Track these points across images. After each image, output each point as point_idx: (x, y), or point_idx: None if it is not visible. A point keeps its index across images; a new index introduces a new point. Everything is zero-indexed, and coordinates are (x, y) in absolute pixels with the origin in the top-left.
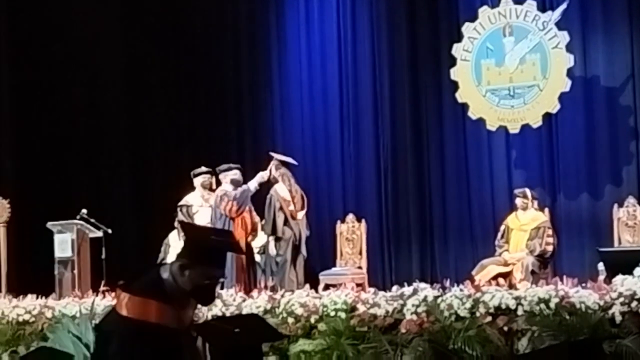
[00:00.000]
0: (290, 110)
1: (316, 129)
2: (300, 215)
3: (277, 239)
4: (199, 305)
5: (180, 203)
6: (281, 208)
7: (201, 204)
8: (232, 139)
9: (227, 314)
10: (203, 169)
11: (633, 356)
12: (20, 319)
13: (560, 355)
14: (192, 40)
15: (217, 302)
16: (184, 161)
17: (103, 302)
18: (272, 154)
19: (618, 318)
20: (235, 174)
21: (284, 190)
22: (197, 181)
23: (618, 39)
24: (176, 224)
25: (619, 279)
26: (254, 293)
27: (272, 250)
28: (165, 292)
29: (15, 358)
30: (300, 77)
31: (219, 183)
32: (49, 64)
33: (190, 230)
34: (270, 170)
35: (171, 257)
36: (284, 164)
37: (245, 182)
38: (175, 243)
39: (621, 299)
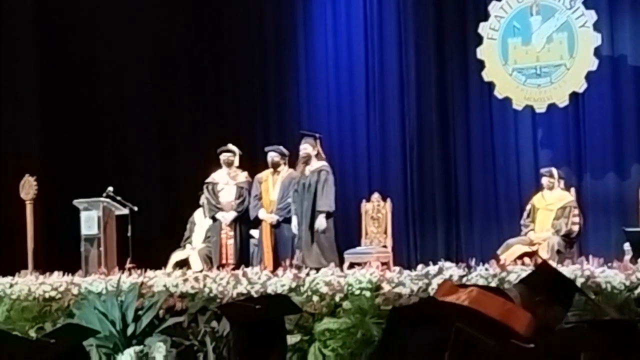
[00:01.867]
0: (316, 89)
1: (342, 108)
2: None
3: (329, 215)
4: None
5: (206, 180)
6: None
7: (227, 182)
8: (257, 118)
9: (252, 292)
10: (228, 146)
11: None
12: (47, 295)
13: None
14: (217, 18)
15: (242, 279)
16: (210, 139)
17: (129, 279)
18: (303, 131)
19: None
20: (274, 155)
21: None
22: (221, 158)
23: None
24: (201, 201)
25: None
26: (279, 271)
27: (323, 225)
28: None
29: (41, 334)
30: (327, 55)
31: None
32: (76, 41)
33: None
34: (308, 150)
35: (197, 236)
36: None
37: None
38: (200, 221)
39: None
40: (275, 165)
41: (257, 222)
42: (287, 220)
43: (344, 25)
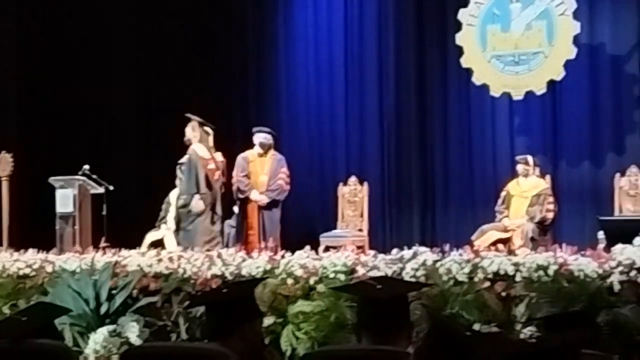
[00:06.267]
0: (296, 73)
1: (321, 92)
2: (217, 174)
3: (202, 196)
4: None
5: (179, 161)
6: (203, 166)
7: None
8: (236, 100)
9: (227, 273)
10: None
11: (630, 325)
12: (21, 272)
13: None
14: (199, 2)
15: (217, 261)
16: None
17: (103, 258)
18: (189, 115)
19: (616, 287)
20: (265, 137)
21: (203, 150)
22: None
23: (625, 6)
24: (177, 182)
25: (618, 247)
26: (254, 253)
27: (197, 206)
28: None
29: (15, 311)
30: (306, 40)
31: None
32: (56, 19)
33: None
34: (187, 132)
35: (172, 216)
36: (201, 125)
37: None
38: (175, 201)
39: (620, 268)
40: (265, 147)
41: (243, 202)
42: (275, 203)
43: (325, 10)
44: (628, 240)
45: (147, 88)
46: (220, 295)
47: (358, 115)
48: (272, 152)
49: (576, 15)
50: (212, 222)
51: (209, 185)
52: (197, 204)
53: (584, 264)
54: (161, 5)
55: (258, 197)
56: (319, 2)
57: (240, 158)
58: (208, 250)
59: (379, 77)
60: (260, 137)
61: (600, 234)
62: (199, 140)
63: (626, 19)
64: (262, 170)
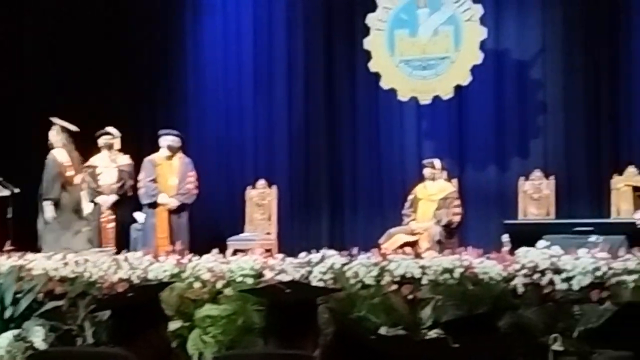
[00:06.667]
0: (204, 75)
1: (229, 94)
2: (78, 179)
3: (56, 204)
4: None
5: (85, 164)
6: (60, 173)
7: (107, 165)
8: (143, 102)
9: (134, 277)
10: (107, 129)
11: (533, 327)
12: None
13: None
14: (106, 2)
15: (124, 264)
16: (92, 123)
17: (8, 262)
18: (53, 119)
19: (520, 289)
20: (173, 140)
21: (63, 155)
22: (100, 142)
23: (530, 13)
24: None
25: (522, 250)
26: (162, 257)
27: (49, 214)
28: None
29: None
30: (215, 43)
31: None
32: None
33: None
34: (50, 136)
35: None
36: (65, 129)
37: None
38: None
39: (524, 271)
40: (173, 150)
41: (151, 206)
42: (184, 207)
43: (233, 11)
44: (531, 244)
45: (48, 91)
46: (125, 299)
47: (267, 118)
48: (179, 154)
49: (483, 21)
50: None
51: (65, 189)
52: (47, 210)
53: (488, 266)
54: (69, 6)
55: (167, 200)
56: (228, 3)
57: (147, 162)
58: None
59: (288, 80)
60: (168, 139)
61: (505, 237)
62: (62, 145)
63: (531, 26)
64: (171, 173)
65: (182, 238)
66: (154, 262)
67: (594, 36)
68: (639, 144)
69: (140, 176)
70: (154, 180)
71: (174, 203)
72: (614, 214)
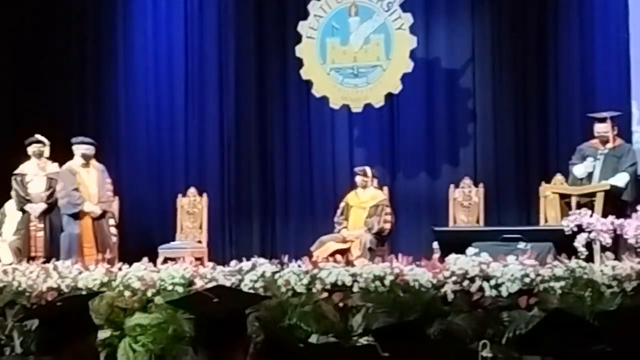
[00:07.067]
0: (135, 83)
1: (160, 101)
2: None
3: None
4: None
5: (14, 172)
6: None
7: (36, 173)
8: (74, 109)
9: (63, 286)
10: (36, 137)
11: (463, 334)
12: None
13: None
14: (37, 8)
15: (53, 273)
16: (22, 130)
17: None
18: None
19: (450, 296)
20: (87, 148)
21: None
22: (29, 150)
23: (460, 22)
24: (12, 193)
25: (452, 257)
26: (91, 266)
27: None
28: None
29: None
30: (146, 50)
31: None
32: None
33: None
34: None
35: (7, 227)
36: None
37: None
38: (11, 213)
39: (453, 278)
40: (88, 158)
41: (75, 216)
42: (104, 214)
43: (164, 19)
44: (461, 251)
45: None
46: (54, 309)
47: (197, 125)
48: (93, 162)
49: (413, 29)
50: None
51: None
52: None
53: (419, 274)
54: None
55: (92, 208)
56: (159, 10)
57: (65, 171)
58: None
59: (219, 88)
60: (82, 148)
61: (435, 244)
62: None
63: (460, 34)
64: (90, 181)
65: (110, 246)
66: (84, 271)
67: (523, 46)
68: (566, 153)
69: (59, 186)
70: (77, 190)
71: (98, 210)
72: (542, 221)
